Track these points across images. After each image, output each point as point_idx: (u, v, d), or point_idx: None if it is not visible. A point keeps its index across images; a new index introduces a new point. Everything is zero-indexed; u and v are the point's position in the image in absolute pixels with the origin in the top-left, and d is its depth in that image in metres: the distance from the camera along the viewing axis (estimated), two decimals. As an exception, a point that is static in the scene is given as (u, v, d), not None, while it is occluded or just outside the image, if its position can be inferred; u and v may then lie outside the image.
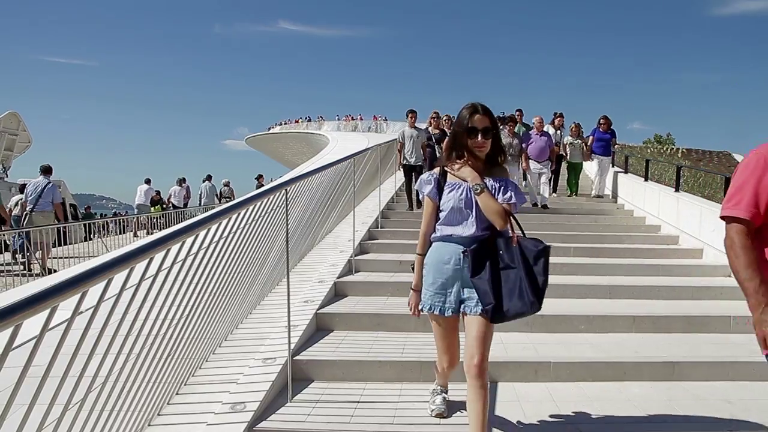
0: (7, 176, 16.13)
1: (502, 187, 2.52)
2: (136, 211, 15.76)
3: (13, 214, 10.64)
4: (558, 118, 11.26)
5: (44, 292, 1.40)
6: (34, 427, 1.69)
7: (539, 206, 9.43)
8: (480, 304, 2.45)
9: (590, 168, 12.24)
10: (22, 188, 10.97)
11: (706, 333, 4.33)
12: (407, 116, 9.17)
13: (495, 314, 2.42)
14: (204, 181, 16.96)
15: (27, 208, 9.32)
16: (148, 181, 15.86)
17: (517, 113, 12.03)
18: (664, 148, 21.47)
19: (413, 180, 8.70)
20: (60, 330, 1.67)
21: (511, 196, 2.51)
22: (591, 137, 10.86)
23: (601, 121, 10.88)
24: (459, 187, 2.53)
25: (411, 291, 2.70)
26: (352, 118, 45.32)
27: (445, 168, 2.61)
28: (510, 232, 2.51)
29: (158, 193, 16.56)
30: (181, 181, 16.65)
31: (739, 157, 20.09)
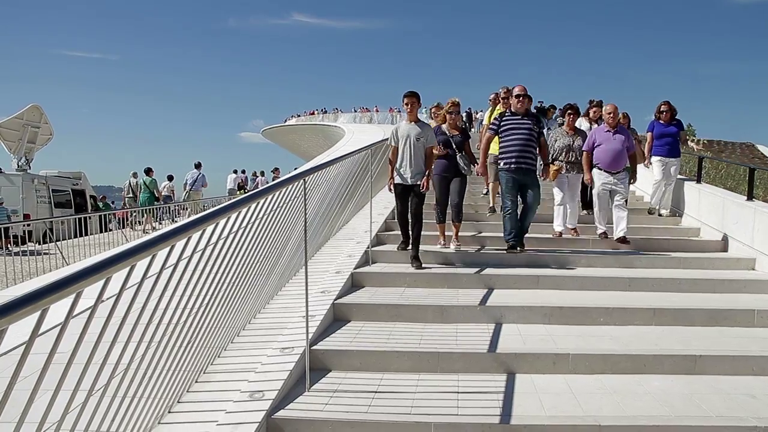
0: (30, 168, 16.46)
1: None
2: (228, 195, 18.93)
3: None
4: (594, 109, 7.78)
5: (69, 277, 1.41)
6: (59, 412, 1.72)
7: (613, 238, 6.36)
8: None
9: (645, 175, 8.71)
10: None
11: (729, 326, 4.25)
12: (403, 102, 5.56)
13: None
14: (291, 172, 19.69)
15: (187, 189, 14.88)
16: (235, 171, 19.56)
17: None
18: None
19: (409, 206, 5.51)
20: (83, 317, 1.69)
21: None
22: (649, 134, 7.81)
23: (663, 109, 7.64)
24: None
25: None
26: (368, 110, 45.22)
27: None
28: None
29: (243, 180, 19.80)
30: (262, 173, 20.24)
31: (763, 148, 19.59)
